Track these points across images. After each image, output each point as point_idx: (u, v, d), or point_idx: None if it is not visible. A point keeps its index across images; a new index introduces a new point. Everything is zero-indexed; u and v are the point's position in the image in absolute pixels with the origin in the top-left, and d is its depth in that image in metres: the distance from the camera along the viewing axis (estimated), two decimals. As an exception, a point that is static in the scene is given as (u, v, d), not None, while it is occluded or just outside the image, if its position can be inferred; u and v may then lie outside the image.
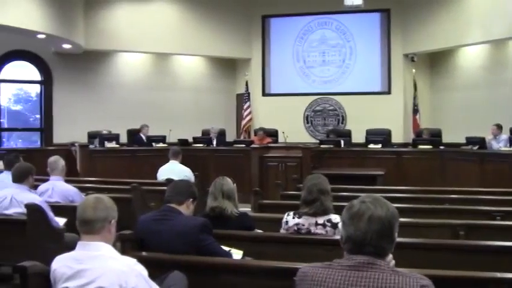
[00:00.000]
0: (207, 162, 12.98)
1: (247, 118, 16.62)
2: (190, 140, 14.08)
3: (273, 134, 14.97)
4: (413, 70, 15.71)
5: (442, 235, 5.23)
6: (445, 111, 15.56)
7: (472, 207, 6.78)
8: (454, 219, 5.75)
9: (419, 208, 6.77)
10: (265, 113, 16.66)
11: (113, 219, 3.26)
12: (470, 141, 12.10)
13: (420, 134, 14.13)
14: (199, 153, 13.30)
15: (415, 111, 15.54)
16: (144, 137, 14.00)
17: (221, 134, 14.88)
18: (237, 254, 4.38)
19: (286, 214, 4.89)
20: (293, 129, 15.09)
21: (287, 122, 15.54)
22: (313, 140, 15.71)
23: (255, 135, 15.04)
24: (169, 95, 16.79)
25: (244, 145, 13.58)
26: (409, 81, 15.80)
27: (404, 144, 14.43)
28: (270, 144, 13.64)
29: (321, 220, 4.67)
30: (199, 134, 14.81)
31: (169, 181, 4.48)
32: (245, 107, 16.67)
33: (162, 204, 4.46)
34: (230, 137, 16.00)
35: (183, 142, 13.64)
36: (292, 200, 6.57)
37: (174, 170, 9.25)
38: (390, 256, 2.65)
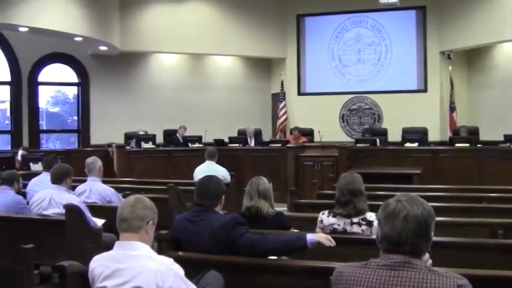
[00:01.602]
0: (243, 162, 13.03)
1: (283, 118, 16.60)
2: (226, 140, 14.15)
3: (309, 133, 14.90)
4: (450, 67, 15.51)
5: (480, 234, 5.16)
6: (482, 108, 15.33)
7: (510, 206, 6.69)
8: (492, 218, 5.68)
9: (457, 207, 6.70)
10: (300, 113, 16.61)
11: (151, 221, 3.28)
12: (508, 138, 11.91)
13: (457, 131, 13.93)
14: (235, 153, 13.36)
15: (452, 109, 15.35)
16: (180, 138, 14.08)
17: (257, 133, 14.90)
18: None
19: (321, 213, 4.88)
20: (329, 129, 15.02)
21: (323, 121, 15.46)
22: (349, 139, 15.57)
23: (291, 134, 15.02)
24: (204, 95, 16.85)
25: (280, 145, 13.57)
26: (445, 78, 15.62)
27: (441, 143, 14.26)
28: (305, 144, 13.62)
29: (356, 219, 4.66)
30: (235, 134, 14.85)
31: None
32: (280, 106, 16.66)
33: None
34: (266, 136, 16.01)
35: (219, 142, 13.67)
36: (328, 200, 6.54)
37: (210, 170, 9.23)
38: (427, 255, 2.63)
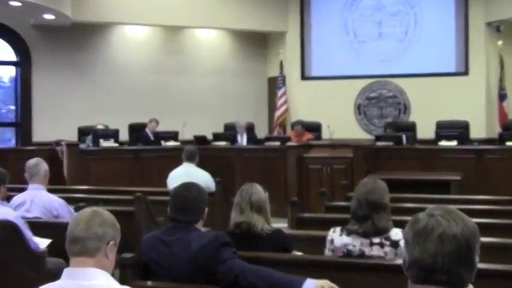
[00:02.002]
0: (232, 164, 13.10)
1: (282, 108, 16.62)
2: (210, 136, 14.15)
3: (315, 128, 14.98)
4: (499, 43, 15.52)
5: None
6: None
7: None
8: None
9: (508, 224, 6.69)
10: (304, 102, 16.67)
11: (112, 241, 3.24)
12: None
13: (509, 126, 13.96)
14: (222, 153, 13.46)
15: (502, 96, 15.34)
16: (150, 134, 14.09)
17: (250, 128, 14.91)
18: None
19: (332, 230, 4.85)
20: (341, 122, 15.09)
21: (333, 113, 15.54)
22: (367, 136, 15.68)
23: (292, 130, 15.05)
24: (182, 79, 16.86)
25: (278, 143, 13.62)
26: (493, 57, 15.63)
27: (488, 141, 14.29)
28: (311, 142, 13.67)
29: (376, 239, 4.62)
30: (221, 129, 14.88)
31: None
32: (279, 94, 16.68)
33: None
34: (261, 132, 16.03)
35: (200, 140, 13.70)
36: (340, 213, 6.56)
37: (189, 176, 9.24)
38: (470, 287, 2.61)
